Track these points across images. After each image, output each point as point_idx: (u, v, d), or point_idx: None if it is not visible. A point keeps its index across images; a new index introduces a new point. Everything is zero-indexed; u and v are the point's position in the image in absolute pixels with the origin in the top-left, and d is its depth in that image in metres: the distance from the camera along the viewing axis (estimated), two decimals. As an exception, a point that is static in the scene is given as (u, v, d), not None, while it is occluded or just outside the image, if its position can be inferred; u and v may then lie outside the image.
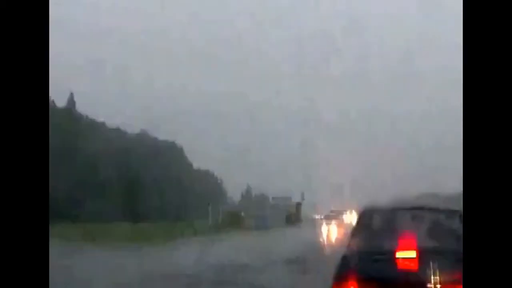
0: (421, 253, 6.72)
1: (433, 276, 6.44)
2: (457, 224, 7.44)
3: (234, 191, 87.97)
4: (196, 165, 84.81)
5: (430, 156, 63.61)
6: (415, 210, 8.33)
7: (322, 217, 55.44)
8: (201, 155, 79.49)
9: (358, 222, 8.26)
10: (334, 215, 58.59)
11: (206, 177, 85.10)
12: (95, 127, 68.66)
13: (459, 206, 6.70)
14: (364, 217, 8.33)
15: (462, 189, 4.69)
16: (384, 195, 10.29)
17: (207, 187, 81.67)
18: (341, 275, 6.94)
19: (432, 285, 6.45)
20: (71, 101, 66.59)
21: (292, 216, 65.83)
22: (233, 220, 57.72)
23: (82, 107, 67.46)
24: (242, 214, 60.01)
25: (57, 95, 59.36)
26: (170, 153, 78.95)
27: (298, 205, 69.59)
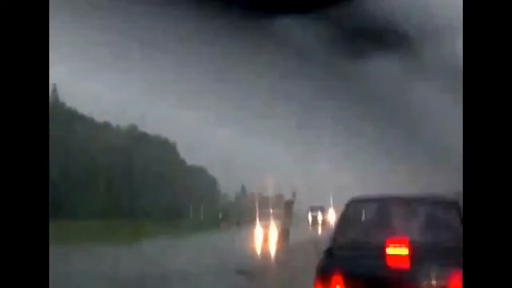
0: (414, 249, 6.10)
1: (427, 276, 5.91)
2: (454, 217, 6.90)
3: (228, 189, 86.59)
4: (189, 162, 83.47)
5: (428, 155, 62.30)
6: (408, 201, 7.48)
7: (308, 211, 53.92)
8: (194, 152, 78.10)
9: (344, 213, 7.50)
10: (315, 210, 56.78)
11: (200, 174, 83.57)
12: (82, 121, 67.18)
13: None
14: (351, 207, 7.53)
15: (460, 188, 4.56)
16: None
17: (200, 185, 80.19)
18: (324, 270, 6.36)
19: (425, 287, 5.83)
20: (54, 94, 64.61)
21: (281, 214, 64.29)
22: (217, 219, 56.60)
23: (68, 101, 65.91)
24: (220, 215, 58.45)
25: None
26: (162, 149, 77.43)
27: (289, 203, 68.01)
